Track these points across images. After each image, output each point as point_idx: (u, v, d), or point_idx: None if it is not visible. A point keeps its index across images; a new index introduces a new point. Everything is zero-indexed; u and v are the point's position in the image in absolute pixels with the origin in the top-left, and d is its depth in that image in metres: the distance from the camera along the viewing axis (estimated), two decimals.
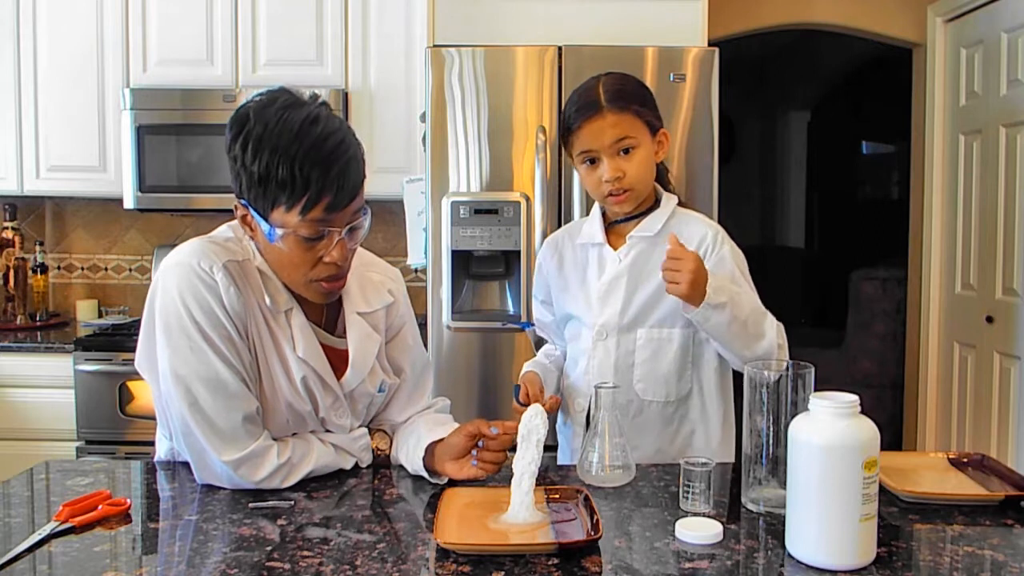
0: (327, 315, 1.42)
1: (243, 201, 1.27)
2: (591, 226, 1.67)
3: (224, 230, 1.37)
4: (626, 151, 1.54)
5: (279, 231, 1.23)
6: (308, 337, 1.35)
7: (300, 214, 1.21)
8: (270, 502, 1.24)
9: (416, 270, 3.03)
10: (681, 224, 1.62)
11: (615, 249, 1.63)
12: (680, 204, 1.66)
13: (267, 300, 1.32)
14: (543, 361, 1.75)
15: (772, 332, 1.49)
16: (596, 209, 1.67)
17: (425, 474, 1.35)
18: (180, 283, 1.26)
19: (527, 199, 2.50)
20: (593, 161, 1.56)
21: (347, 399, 1.40)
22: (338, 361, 1.39)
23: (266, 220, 1.24)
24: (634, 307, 1.58)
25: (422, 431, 1.41)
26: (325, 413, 1.38)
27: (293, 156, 1.18)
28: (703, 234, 1.60)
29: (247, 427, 1.28)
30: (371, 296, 1.45)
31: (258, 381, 1.32)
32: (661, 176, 1.68)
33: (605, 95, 1.55)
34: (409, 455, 1.39)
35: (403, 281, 1.55)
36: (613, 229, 1.65)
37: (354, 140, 1.26)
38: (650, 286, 1.58)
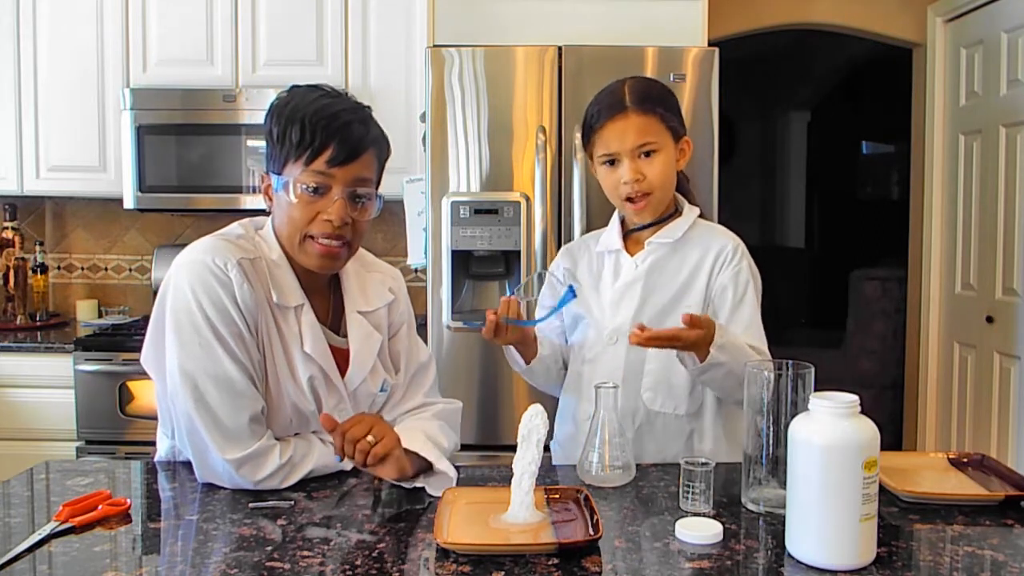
0: (332, 316, 1.43)
1: (267, 171, 1.36)
2: (609, 235, 1.66)
3: (235, 228, 1.39)
4: (647, 154, 1.53)
5: (286, 180, 1.31)
6: (316, 334, 1.35)
7: (305, 164, 1.29)
8: (270, 502, 1.24)
9: (416, 270, 3.03)
10: (702, 234, 1.60)
11: (632, 256, 1.62)
12: (700, 216, 1.64)
13: (276, 297, 1.33)
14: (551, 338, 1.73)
15: None
16: (615, 218, 1.66)
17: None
18: (193, 279, 1.27)
19: (527, 199, 2.50)
20: (613, 163, 1.55)
21: (350, 399, 1.40)
22: (341, 361, 1.39)
23: (279, 176, 1.32)
24: (647, 313, 1.56)
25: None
26: (329, 414, 1.38)
27: (304, 115, 1.28)
28: (723, 245, 1.58)
29: (252, 427, 1.28)
30: (372, 295, 1.46)
31: (264, 380, 1.32)
32: (682, 186, 1.66)
33: (631, 96, 1.53)
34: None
35: (403, 281, 1.56)
36: (631, 237, 1.64)
37: (371, 118, 1.36)
38: (665, 294, 1.57)
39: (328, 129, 1.28)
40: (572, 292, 1.49)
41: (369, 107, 1.38)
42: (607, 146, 1.55)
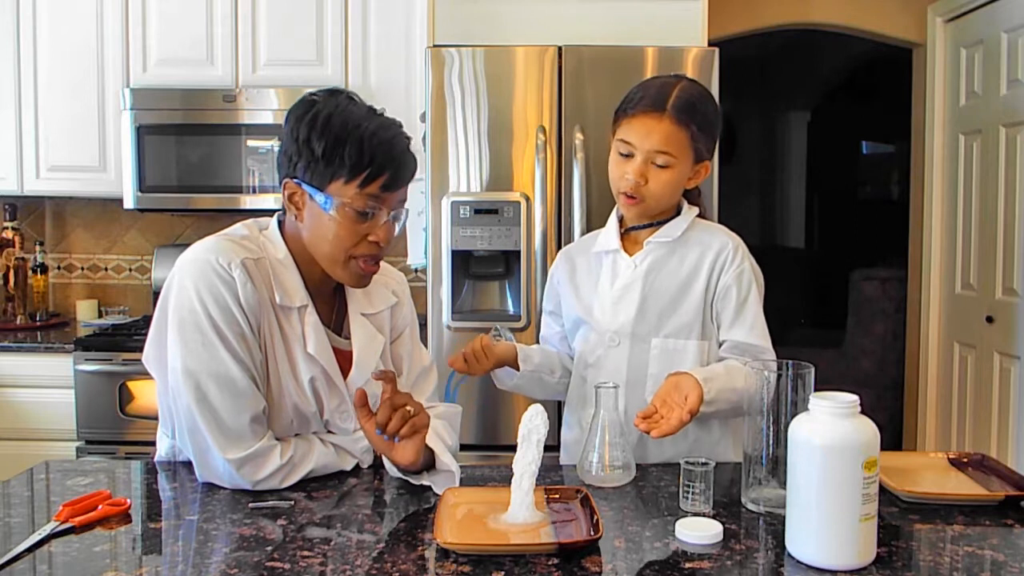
0: (335, 318, 1.43)
1: (295, 180, 1.31)
2: (607, 235, 1.64)
3: (239, 228, 1.39)
4: (661, 165, 1.51)
5: (335, 200, 1.28)
6: (319, 335, 1.35)
7: (359, 187, 1.27)
8: (270, 502, 1.24)
9: (416, 270, 3.03)
10: (701, 234, 1.59)
11: (630, 256, 1.60)
12: (700, 216, 1.63)
13: (279, 297, 1.33)
14: (544, 347, 1.73)
15: None
16: (613, 218, 1.65)
17: (395, 471, 1.33)
18: (197, 278, 1.27)
19: (527, 199, 2.50)
20: (627, 155, 1.53)
21: (351, 401, 1.40)
22: (344, 363, 1.39)
23: (321, 192, 1.29)
24: (648, 314, 1.55)
25: None
26: (330, 416, 1.38)
27: (362, 134, 1.26)
28: (723, 244, 1.57)
29: (253, 427, 1.28)
30: (375, 297, 1.46)
31: (266, 380, 1.32)
32: (691, 196, 1.64)
33: (676, 100, 1.51)
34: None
35: (407, 284, 1.56)
36: (628, 236, 1.62)
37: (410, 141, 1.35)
38: (665, 294, 1.56)
39: (388, 156, 1.28)
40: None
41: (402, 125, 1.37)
42: (628, 136, 1.53)
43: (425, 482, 1.30)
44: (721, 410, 1.45)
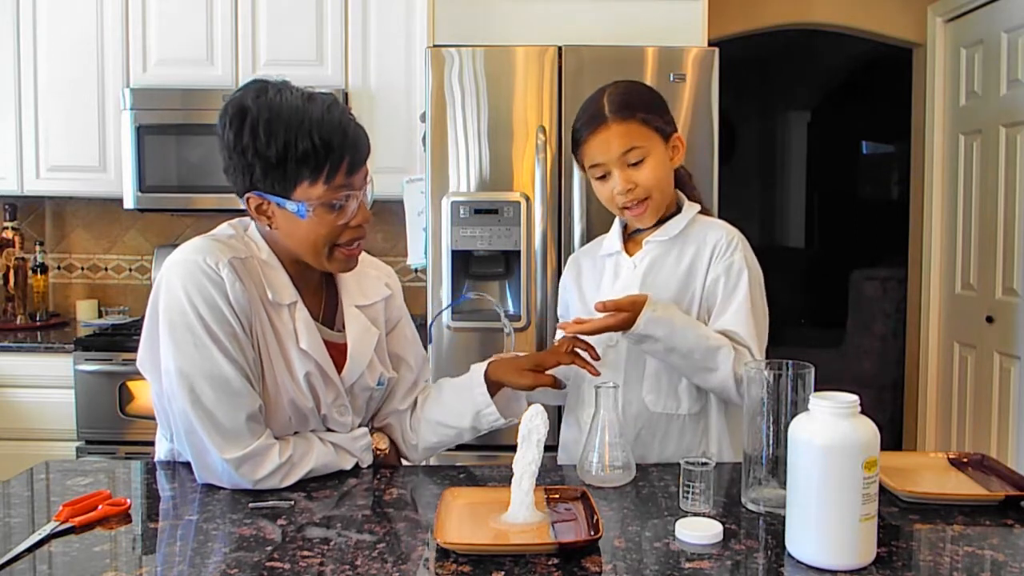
0: (326, 310, 1.43)
1: (256, 192, 1.29)
2: (611, 238, 1.66)
3: (225, 228, 1.38)
4: (636, 163, 1.52)
5: (307, 204, 1.27)
6: (311, 331, 1.35)
7: (325, 183, 1.26)
8: (270, 502, 1.24)
9: (416, 270, 3.03)
10: (700, 230, 1.59)
11: (631, 256, 1.61)
12: (703, 212, 1.63)
13: (270, 295, 1.33)
14: None
15: (727, 366, 1.44)
16: (617, 221, 1.66)
17: (487, 398, 1.47)
18: (185, 280, 1.27)
19: (527, 199, 2.50)
20: (604, 176, 1.55)
21: (347, 394, 1.40)
22: (338, 355, 1.40)
23: (289, 200, 1.27)
24: (648, 313, 1.55)
25: (458, 378, 1.55)
26: (327, 410, 1.38)
27: (309, 129, 1.23)
28: (719, 237, 1.57)
29: (250, 425, 1.28)
30: (368, 290, 1.47)
31: (261, 379, 1.32)
32: (683, 183, 1.65)
33: (609, 106, 1.53)
34: (459, 390, 1.51)
35: (397, 277, 1.57)
36: (633, 238, 1.64)
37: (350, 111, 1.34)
38: (664, 292, 1.55)
39: (343, 141, 1.26)
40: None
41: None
42: (593, 158, 1.54)
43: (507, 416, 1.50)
44: (661, 338, 1.46)
